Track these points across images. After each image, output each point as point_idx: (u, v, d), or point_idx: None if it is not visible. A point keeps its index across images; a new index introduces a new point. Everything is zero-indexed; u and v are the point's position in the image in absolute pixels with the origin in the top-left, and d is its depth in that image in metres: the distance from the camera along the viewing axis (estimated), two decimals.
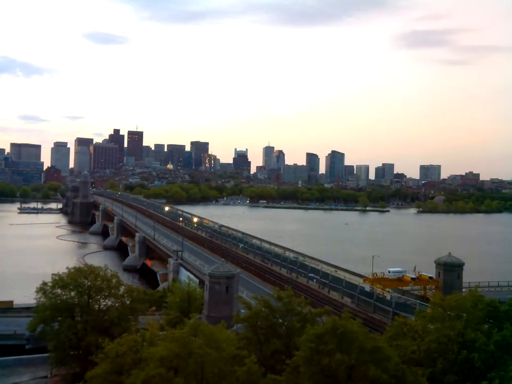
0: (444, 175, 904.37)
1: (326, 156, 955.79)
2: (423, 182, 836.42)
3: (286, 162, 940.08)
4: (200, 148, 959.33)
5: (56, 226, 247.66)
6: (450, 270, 72.19)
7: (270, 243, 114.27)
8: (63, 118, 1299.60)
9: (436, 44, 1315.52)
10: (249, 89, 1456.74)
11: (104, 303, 51.54)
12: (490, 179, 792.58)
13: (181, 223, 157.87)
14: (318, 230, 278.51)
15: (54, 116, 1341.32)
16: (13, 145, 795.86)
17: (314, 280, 75.35)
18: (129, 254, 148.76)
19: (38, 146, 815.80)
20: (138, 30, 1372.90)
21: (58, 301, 49.94)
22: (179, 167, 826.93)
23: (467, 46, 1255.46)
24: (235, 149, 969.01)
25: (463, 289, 66.16)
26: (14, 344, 63.13)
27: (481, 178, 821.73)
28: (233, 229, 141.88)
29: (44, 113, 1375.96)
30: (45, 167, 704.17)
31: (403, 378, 30.68)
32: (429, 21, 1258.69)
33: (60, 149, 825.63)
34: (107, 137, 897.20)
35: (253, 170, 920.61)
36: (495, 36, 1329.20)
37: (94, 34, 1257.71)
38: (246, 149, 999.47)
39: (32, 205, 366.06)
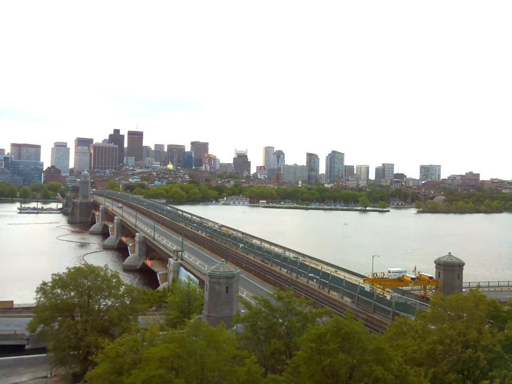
0: (444, 175, 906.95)
1: (326, 156, 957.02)
2: (423, 182, 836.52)
3: (286, 162, 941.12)
4: (200, 148, 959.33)
5: (56, 226, 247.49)
6: (450, 270, 72.17)
7: (270, 243, 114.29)
8: (63, 117, 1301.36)
9: None
10: (249, 89, 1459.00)
11: (104, 303, 51.49)
12: (490, 179, 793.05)
13: (180, 224, 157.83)
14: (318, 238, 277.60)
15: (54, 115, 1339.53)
16: (13, 145, 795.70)
17: (315, 280, 75.27)
18: (129, 254, 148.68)
19: (38, 146, 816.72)
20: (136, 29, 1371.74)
21: (58, 301, 49.91)
22: (179, 167, 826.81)
23: None
24: (235, 149, 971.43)
25: (463, 289, 66.15)
26: (14, 344, 63.26)
27: (481, 178, 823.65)
28: (233, 229, 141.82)
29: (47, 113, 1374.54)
30: (45, 167, 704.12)
31: (406, 378, 30.62)
32: None
33: (59, 149, 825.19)
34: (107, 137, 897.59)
35: (253, 170, 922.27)
36: None
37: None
38: (246, 149, 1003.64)
39: (32, 205, 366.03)
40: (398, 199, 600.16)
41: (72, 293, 50.42)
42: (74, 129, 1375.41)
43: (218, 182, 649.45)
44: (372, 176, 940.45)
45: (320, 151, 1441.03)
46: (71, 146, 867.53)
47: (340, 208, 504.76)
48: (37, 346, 58.59)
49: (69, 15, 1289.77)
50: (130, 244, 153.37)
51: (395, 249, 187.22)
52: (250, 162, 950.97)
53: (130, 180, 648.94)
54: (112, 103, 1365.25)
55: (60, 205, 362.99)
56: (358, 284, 69.40)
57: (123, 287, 54.32)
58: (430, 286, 73.80)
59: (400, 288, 73.05)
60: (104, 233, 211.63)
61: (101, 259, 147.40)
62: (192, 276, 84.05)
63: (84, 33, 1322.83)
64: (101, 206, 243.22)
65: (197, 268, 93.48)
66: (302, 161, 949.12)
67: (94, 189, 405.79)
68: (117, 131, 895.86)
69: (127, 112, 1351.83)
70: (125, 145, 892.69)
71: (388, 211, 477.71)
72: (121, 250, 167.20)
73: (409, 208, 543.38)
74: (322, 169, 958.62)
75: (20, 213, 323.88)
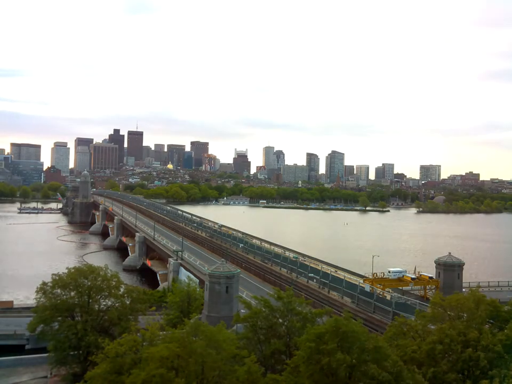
0: (444, 175, 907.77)
1: (326, 156, 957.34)
2: (423, 182, 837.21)
3: (286, 162, 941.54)
4: (200, 148, 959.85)
5: (56, 227, 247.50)
6: (450, 270, 72.22)
7: (270, 243, 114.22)
8: (63, 117, 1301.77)
9: None
10: (249, 89, 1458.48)
11: (104, 303, 51.60)
12: (490, 179, 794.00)
13: (180, 224, 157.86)
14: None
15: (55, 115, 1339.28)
16: (13, 145, 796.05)
17: (314, 280, 75.27)
18: (129, 254, 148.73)
19: (38, 146, 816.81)
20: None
21: (58, 301, 49.97)
22: (179, 167, 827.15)
23: None
24: (235, 149, 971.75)
25: (463, 289, 66.19)
26: (14, 344, 63.33)
27: (481, 178, 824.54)
28: (233, 229, 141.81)
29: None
30: (45, 167, 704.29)
31: (400, 375, 30.79)
32: None
33: (59, 149, 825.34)
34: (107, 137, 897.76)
35: (253, 170, 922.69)
36: None
37: None
38: (246, 149, 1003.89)
39: (32, 205, 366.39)
40: (398, 199, 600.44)
41: (72, 293, 50.51)
42: (74, 129, 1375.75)
43: (218, 182, 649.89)
44: (372, 176, 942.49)
45: (320, 151, 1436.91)
46: (71, 146, 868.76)
47: (340, 208, 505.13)
48: (37, 346, 58.68)
49: (70, 14, 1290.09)
50: (130, 244, 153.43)
51: (395, 249, 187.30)
52: (250, 162, 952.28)
53: (130, 179, 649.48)
54: (113, 104, 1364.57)
55: (60, 205, 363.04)
56: (358, 283, 69.43)
57: (123, 287, 54.40)
58: (430, 286, 73.83)
59: (400, 288, 73.07)
60: (104, 233, 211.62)
61: (101, 259, 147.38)
62: (192, 276, 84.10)
63: (85, 39, 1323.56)
64: (101, 206, 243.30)
65: (197, 268, 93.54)
66: (302, 161, 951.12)
67: (94, 189, 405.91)
68: (117, 131, 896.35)
69: (127, 114, 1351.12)
70: (125, 145, 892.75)
71: (388, 211, 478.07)
72: (121, 250, 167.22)
73: (409, 208, 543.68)
74: (322, 169, 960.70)
75: (20, 213, 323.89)
